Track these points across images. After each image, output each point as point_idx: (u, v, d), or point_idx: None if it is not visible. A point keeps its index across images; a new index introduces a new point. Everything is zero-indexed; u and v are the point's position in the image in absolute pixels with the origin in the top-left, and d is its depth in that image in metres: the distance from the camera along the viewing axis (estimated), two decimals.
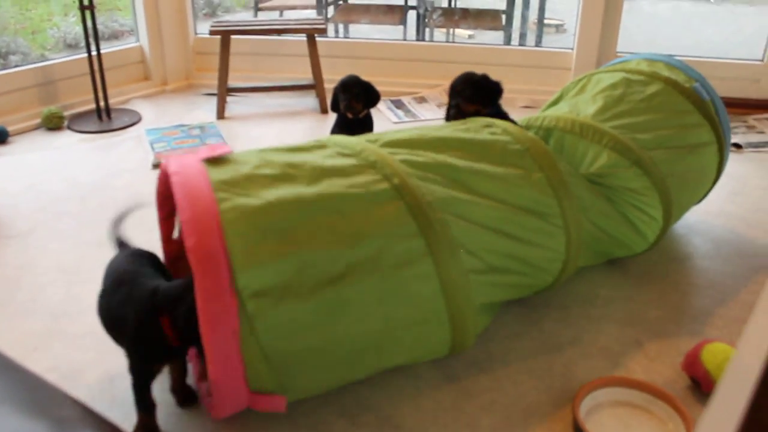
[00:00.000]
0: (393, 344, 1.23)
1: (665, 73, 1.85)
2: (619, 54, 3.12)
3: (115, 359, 1.44)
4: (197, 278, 1.06)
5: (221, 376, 1.08)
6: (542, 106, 1.97)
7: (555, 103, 1.93)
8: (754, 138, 2.74)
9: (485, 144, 1.49)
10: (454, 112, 1.70)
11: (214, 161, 1.26)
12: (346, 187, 1.24)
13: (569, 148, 1.67)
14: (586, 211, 1.56)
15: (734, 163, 2.49)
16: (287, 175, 1.25)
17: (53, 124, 2.77)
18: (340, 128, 2.08)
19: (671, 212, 1.66)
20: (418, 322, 1.23)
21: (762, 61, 3.04)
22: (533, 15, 4.19)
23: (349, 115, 2.04)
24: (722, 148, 1.85)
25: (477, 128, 1.55)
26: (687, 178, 1.75)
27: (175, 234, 1.49)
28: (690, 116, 1.78)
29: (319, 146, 1.40)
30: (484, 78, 1.75)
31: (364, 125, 2.07)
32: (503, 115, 1.76)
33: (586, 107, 1.75)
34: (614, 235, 1.64)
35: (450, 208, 1.30)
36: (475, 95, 1.71)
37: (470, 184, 1.37)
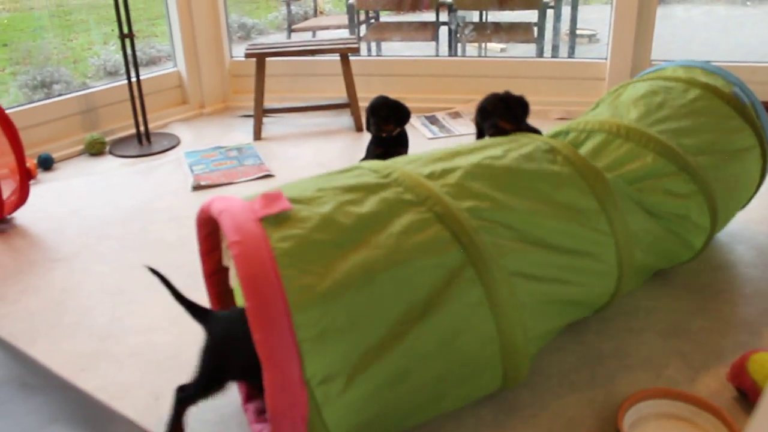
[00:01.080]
0: (450, 399, 1.23)
1: (703, 78, 1.83)
2: (654, 62, 3.10)
3: (159, 379, 1.47)
4: (265, 371, 1.03)
5: None
6: (579, 117, 1.96)
7: (592, 110, 1.91)
8: None
9: (549, 179, 1.44)
10: (493, 132, 1.69)
11: (274, 220, 1.15)
12: (412, 253, 1.17)
13: (613, 151, 1.62)
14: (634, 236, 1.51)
15: None
16: (351, 240, 1.16)
17: (96, 149, 2.84)
18: (375, 146, 2.11)
19: (717, 218, 1.63)
20: (473, 375, 1.23)
21: None
22: (565, 26, 4.18)
23: (383, 134, 2.07)
24: (765, 152, 1.82)
25: (540, 158, 1.50)
26: (731, 184, 1.72)
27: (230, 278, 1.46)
28: (732, 121, 1.75)
29: (382, 185, 1.30)
30: (510, 95, 1.75)
31: (399, 142, 2.10)
32: (532, 130, 1.75)
33: (627, 112, 1.73)
34: (659, 251, 1.60)
35: (513, 264, 1.26)
36: (509, 113, 1.71)
37: (534, 232, 1.33)
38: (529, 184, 1.40)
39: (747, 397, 1.33)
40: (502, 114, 1.70)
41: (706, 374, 1.42)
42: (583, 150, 1.61)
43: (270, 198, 1.18)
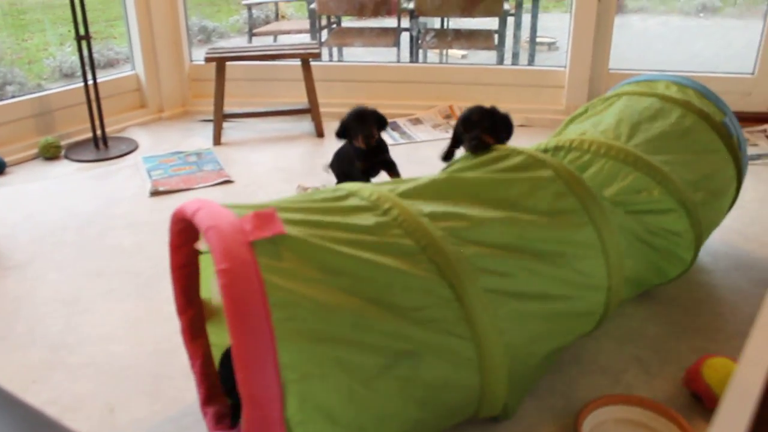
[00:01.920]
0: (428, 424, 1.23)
1: (697, 102, 1.79)
2: (611, 71, 3.15)
3: (114, 390, 1.44)
4: (246, 409, 1.01)
5: None
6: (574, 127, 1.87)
7: (579, 116, 1.87)
8: (749, 151, 2.75)
9: (536, 196, 1.42)
10: (476, 144, 1.58)
11: (265, 246, 1.08)
12: (407, 301, 1.15)
13: (619, 180, 1.56)
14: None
15: None
16: (345, 281, 1.12)
17: (50, 153, 2.78)
18: (359, 159, 2.13)
19: (697, 255, 1.63)
20: (453, 411, 1.23)
21: (753, 74, 3.07)
22: (525, 34, 4.23)
23: (362, 146, 2.07)
24: (740, 185, 1.84)
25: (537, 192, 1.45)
26: (712, 220, 1.74)
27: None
28: (720, 155, 1.73)
29: (382, 226, 1.24)
30: (497, 110, 1.68)
31: (381, 149, 2.15)
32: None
33: (625, 133, 1.67)
34: (641, 277, 1.59)
35: (502, 308, 1.25)
36: (493, 127, 1.64)
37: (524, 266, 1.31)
38: (524, 221, 1.36)
39: (702, 401, 1.35)
40: (486, 127, 1.62)
41: (662, 379, 1.44)
42: (585, 175, 1.56)
43: (262, 219, 1.11)
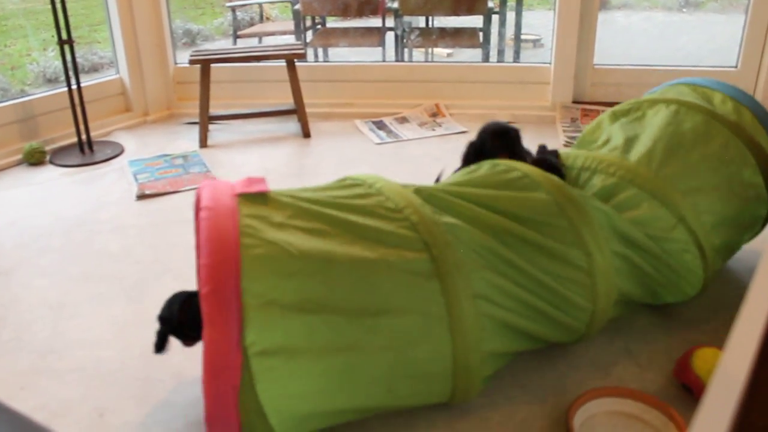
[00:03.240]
0: (394, 404, 1.23)
1: (749, 127, 1.66)
2: (596, 66, 3.16)
3: (103, 395, 1.43)
4: (206, 328, 1.04)
5: (216, 426, 1.06)
6: (587, 126, 1.78)
7: (622, 114, 1.75)
8: None
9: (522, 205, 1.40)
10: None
11: (250, 198, 1.20)
12: (380, 253, 1.18)
13: (628, 200, 1.51)
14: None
15: None
16: (322, 230, 1.19)
17: (35, 159, 2.75)
18: None
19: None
20: (425, 392, 1.22)
21: (736, 67, 3.09)
22: (510, 31, 4.24)
23: None
24: (766, 222, 1.73)
25: (517, 184, 1.45)
26: (728, 257, 1.69)
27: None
28: (755, 191, 1.62)
29: (364, 194, 1.31)
30: (501, 126, 1.65)
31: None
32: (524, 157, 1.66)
33: (657, 155, 1.57)
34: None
35: (485, 285, 1.25)
36: (508, 148, 1.63)
37: (510, 248, 1.32)
38: (517, 230, 1.36)
39: (692, 393, 1.36)
40: (501, 150, 1.61)
41: (652, 371, 1.45)
42: (608, 203, 1.51)
43: (252, 180, 1.26)
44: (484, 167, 1.52)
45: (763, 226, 1.75)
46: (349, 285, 1.13)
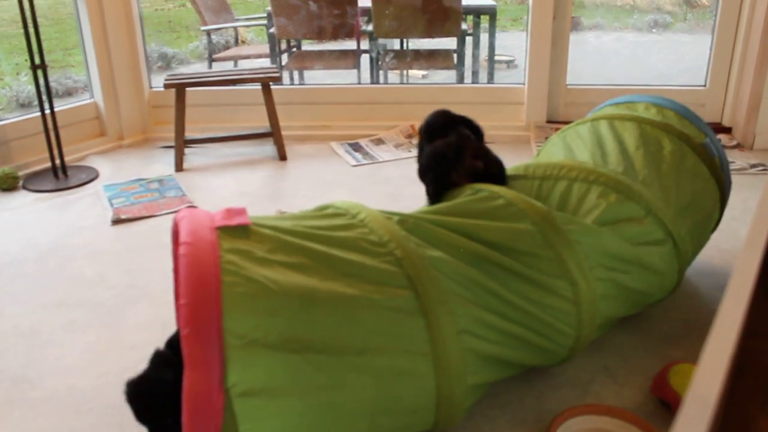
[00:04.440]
0: None
1: (677, 124, 1.76)
2: (569, 86, 3.20)
3: (78, 425, 1.40)
4: (187, 369, 1.01)
5: None
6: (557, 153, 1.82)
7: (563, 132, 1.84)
8: None
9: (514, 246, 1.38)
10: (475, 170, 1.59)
11: (230, 231, 1.17)
12: (362, 289, 1.17)
13: (596, 200, 1.54)
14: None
15: None
16: (304, 266, 1.17)
17: (8, 184, 2.72)
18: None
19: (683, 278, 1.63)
20: (407, 419, 1.21)
21: (705, 86, 3.15)
22: (484, 53, 4.29)
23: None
24: (723, 207, 1.81)
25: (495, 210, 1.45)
26: (697, 248, 1.72)
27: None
28: (702, 179, 1.70)
29: (347, 226, 1.29)
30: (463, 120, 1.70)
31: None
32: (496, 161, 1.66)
33: (610, 161, 1.64)
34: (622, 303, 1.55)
35: (469, 320, 1.24)
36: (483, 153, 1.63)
37: (495, 278, 1.32)
38: (503, 262, 1.35)
39: (670, 408, 1.37)
40: (443, 134, 1.65)
41: (630, 388, 1.46)
42: (584, 208, 1.53)
43: (232, 212, 1.22)
44: (465, 192, 1.51)
45: (720, 213, 1.81)
46: (331, 323, 1.12)
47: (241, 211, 1.23)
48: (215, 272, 1.08)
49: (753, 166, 2.76)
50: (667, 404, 1.37)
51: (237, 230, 1.19)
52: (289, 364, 1.07)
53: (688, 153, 1.70)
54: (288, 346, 1.07)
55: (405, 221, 1.35)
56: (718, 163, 1.75)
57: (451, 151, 1.63)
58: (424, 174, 1.66)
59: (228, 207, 1.24)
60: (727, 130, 3.12)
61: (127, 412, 1.43)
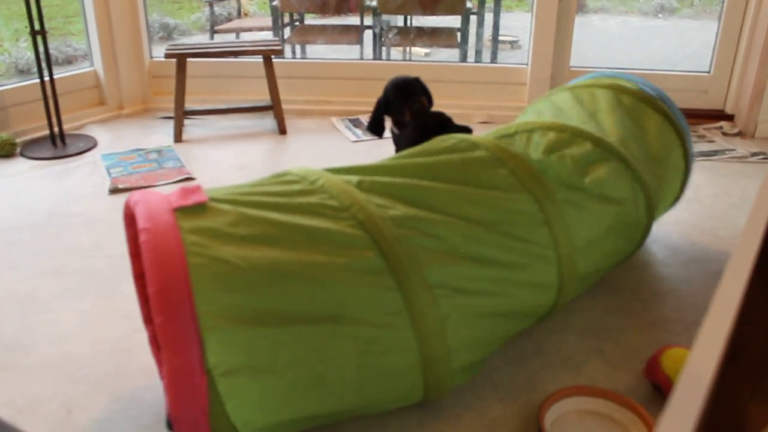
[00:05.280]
0: (367, 406, 1.22)
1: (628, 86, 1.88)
2: (572, 68, 3.18)
3: (72, 391, 1.41)
4: (166, 357, 1.01)
5: None
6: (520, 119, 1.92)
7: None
8: (705, 147, 2.81)
9: (489, 188, 1.42)
10: (419, 108, 1.86)
11: (188, 211, 1.15)
12: (330, 254, 1.17)
13: (567, 147, 1.62)
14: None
15: None
16: (269, 236, 1.16)
17: (5, 151, 2.71)
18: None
19: (654, 215, 1.71)
20: (394, 391, 1.22)
21: (709, 72, 3.13)
22: (488, 32, 4.26)
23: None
24: (686, 153, 1.87)
25: (482, 166, 1.47)
26: (664, 187, 1.79)
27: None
28: (649, 120, 1.81)
29: (306, 191, 1.29)
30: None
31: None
32: (461, 129, 1.78)
33: (570, 117, 1.76)
34: (604, 251, 1.60)
35: (437, 276, 1.25)
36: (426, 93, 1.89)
37: (466, 246, 1.31)
38: (464, 193, 1.38)
39: (661, 392, 1.38)
40: (424, 91, 1.89)
41: (623, 371, 1.46)
42: (538, 148, 1.60)
43: (187, 191, 1.19)
44: (445, 147, 1.54)
45: (686, 174, 1.90)
46: (304, 293, 1.12)
47: (196, 189, 1.21)
48: (180, 255, 1.06)
49: (754, 154, 2.75)
50: (659, 388, 1.38)
51: (195, 209, 1.16)
52: (267, 339, 1.07)
53: (653, 119, 1.82)
54: (264, 320, 1.07)
55: (362, 183, 1.34)
56: (660, 103, 1.85)
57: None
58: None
59: (183, 186, 1.21)
60: (730, 118, 3.11)
61: (121, 380, 1.44)
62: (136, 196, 1.20)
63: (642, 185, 1.64)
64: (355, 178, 1.35)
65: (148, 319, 1.42)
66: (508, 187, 1.42)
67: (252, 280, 1.09)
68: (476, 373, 1.36)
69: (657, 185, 1.73)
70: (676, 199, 1.95)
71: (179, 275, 1.04)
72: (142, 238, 1.08)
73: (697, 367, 0.60)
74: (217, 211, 1.17)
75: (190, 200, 1.17)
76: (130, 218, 1.32)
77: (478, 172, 1.43)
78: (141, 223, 1.10)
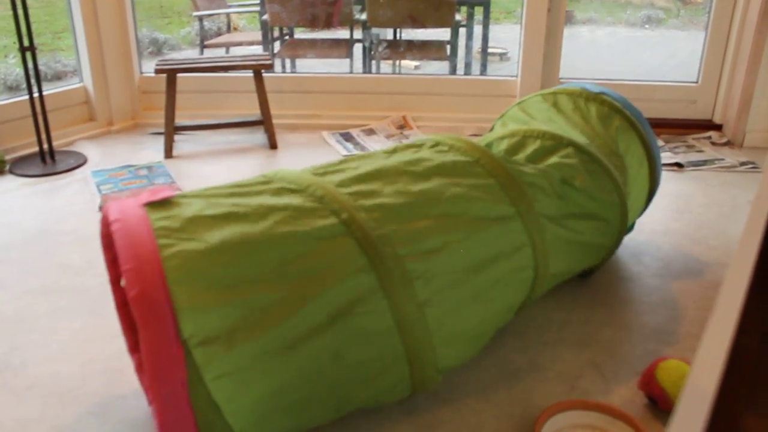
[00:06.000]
0: (351, 385, 1.21)
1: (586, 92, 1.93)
2: (561, 80, 3.20)
3: (62, 413, 1.39)
4: (141, 330, 1.03)
5: (171, 428, 1.05)
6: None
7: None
8: (694, 157, 2.82)
9: (435, 164, 1.48)
10: None
11: (157, 205, 1.21)
12: (293, 224, 1.22)
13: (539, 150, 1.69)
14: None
15: (677, 182, 2.56)
16: (232, 214, 1.22)
17: None
18: None
19: (626, 221, 1.71)
20: (374, 359, 1.21)
21: (697, 82, 3.15)
22: (477, 44, 4.27)
23: None
24: (652, 160, 1.89)
25: (426, 150, 1.55)
26: (633, 190, 1.81)
27: (123, 282, 1.44)
28: (613, 121, 1.85)
29: (265, 182, 1.37)
30: None
31: None
32: None
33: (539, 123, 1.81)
34: (576, 251, 1.63)
35: (402, 239, 1.28)
36: None
37: (425, 207, 1.35)
38: (445, 202, 1.39)
39: (657, 404, 1.37)
40: None
41: (617, 383, 1.46)
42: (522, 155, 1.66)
43: (156, 190, 1.26)
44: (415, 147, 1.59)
45: (651, 167, 1.91)
46: (273, 258, 1.15)
47: (166, 188, 1.28)
48: (150, 237, 1.12)
49: (743, 163, 2.76)
50: (654, 400, 1.38)
51: (164, 203, 1.23)
52: (239, 306, 1.09)
53: (590, 104, 1.87)
54: (236, 289, 1.10)
55: (319, 171, 1.41)
56: (619, 105, 1.88)
57: None
58: None
59: (152, 188, 1.28)
60: (718, 128, 3.13)
61: (112, 401, 1.42)
62: (109, 202, 1.27)
63: (611, 177, 1.66)
64: (317, 172, 1.42)
65: (133, 348, 1.42)
66: (479, 175, 1.47)
67: (221, 253, 1.13)
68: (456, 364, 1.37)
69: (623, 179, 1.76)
70: (650, 193, 1.97)
71: (151, 254, 1.09)
72: (114, 227, 1.13)
73: (700, 381, 0.60)
74: (185, 203, 1.24)
75: (159, 196, 1.23)
76: (108, 239, 1.33)
77: (454, 163, 1.48)
78: (111, 216, 1.16)
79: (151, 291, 1.04)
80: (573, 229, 1.59)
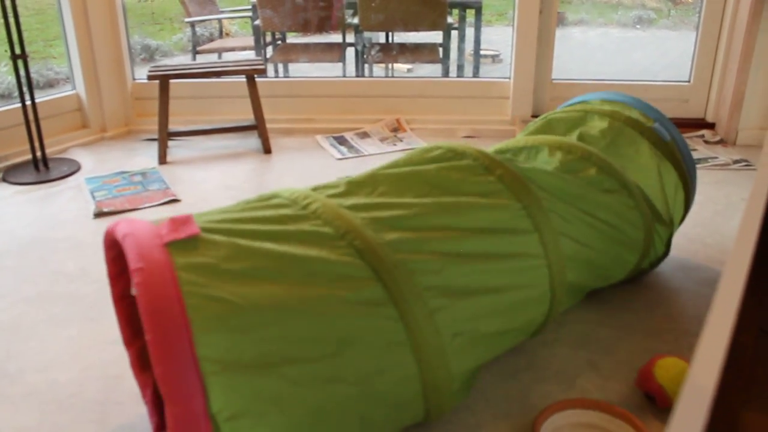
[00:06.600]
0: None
1: (625, 112, 1.85)
2: (554, 81, 3.21)
3: (59, 420, 1.39)
4: (168, 406, 0.98)
5: None
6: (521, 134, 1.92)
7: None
8: None
9: (480, 201, 1.41)
10: None
11: (180, 246, 1.10)
12: (328, 287, 1.14)
13: (570, 165, 1.63)
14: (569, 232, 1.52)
15: None
16: (263, 270, 1.12)
17: None
18: None
19: (651, 242, 1.70)
20: (397, 414, 1.20)
21: (689, 82, 3.16)
22: (469, 47, 4.28)
23: None
24: (688, 186, 1.84)
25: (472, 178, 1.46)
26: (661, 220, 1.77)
27: (134, 291, 1.40)
28: (646, 159, 1.77)
29: (298, 218, 1.25)
30: None
31: None
32: None
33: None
34: (595, 269, 1.60)
35: (440, 298, 1.24)
36: None
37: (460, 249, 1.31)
38: (455, 206, 1.37)
39: (655, 401, 1.37)
40: None
41: (615, 381, 1.46)
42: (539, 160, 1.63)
43: (178, 222, 1.14)
44: (434, 157, 1.53)
45: (687, 193, 1.86)
46: (305, 330, 1.09)
47: (187, 219, 1.15)
48: (177, 297, 1.02)
49: (736, 161, 2.78)
50: (652, 397, 1.38)
51: (187, 242, 1.11)
52: (270, 380, 1.04)
53: (635, 136, 1.79)
54: (266, 361, 1.04)
55: (357, 207, 1.31)
56: (673, 145, 1.80)
57: None
58: None
59: (172, 217, 1.15)
60: (711, 126, 3.14)
61: (110, 407, 1.42)
62: (122, 227, 1.14)
63: (637, 203, 1.63)
64: (347, 201, 1.32)
65: (129, 342, 1.39)
66: (496, 194, 1.42)
67: (252, 319, 1.05)
68: (468, 395, 1.35)
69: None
70: (686, 207, 1.91)
71: (177, 320, 1.00)
72: (137, 280, 1.03)
73: (700, 378, 0.60)
74: (210, 243, 1.13)
75: (182, 233, 1.11)
76: (109, 243, 1.29)
77: (466, 179, 1.43)
78: (133, 262, 1.05)
79: (178, 367, 0.98)
80: (589, 245, 1.56)
